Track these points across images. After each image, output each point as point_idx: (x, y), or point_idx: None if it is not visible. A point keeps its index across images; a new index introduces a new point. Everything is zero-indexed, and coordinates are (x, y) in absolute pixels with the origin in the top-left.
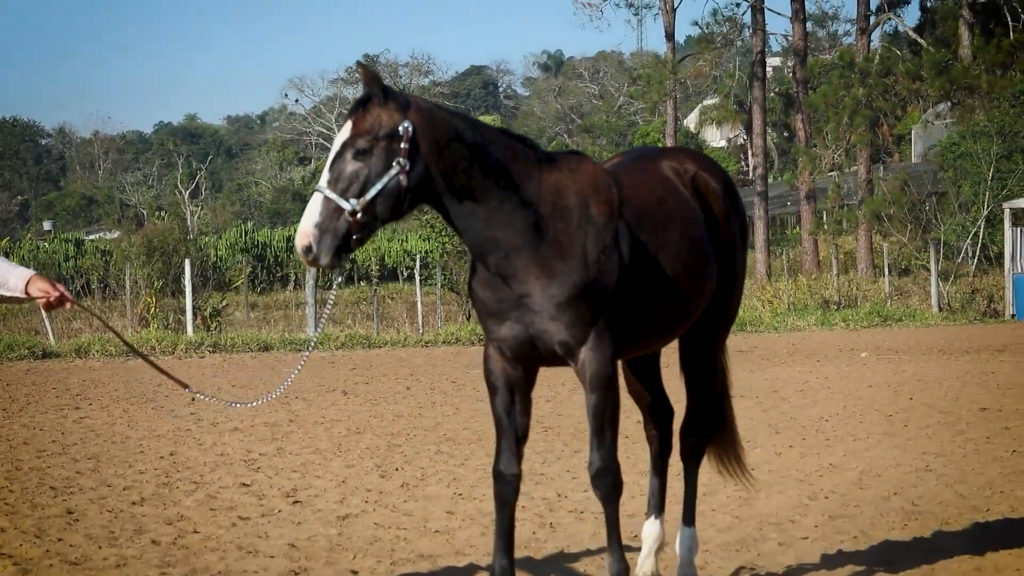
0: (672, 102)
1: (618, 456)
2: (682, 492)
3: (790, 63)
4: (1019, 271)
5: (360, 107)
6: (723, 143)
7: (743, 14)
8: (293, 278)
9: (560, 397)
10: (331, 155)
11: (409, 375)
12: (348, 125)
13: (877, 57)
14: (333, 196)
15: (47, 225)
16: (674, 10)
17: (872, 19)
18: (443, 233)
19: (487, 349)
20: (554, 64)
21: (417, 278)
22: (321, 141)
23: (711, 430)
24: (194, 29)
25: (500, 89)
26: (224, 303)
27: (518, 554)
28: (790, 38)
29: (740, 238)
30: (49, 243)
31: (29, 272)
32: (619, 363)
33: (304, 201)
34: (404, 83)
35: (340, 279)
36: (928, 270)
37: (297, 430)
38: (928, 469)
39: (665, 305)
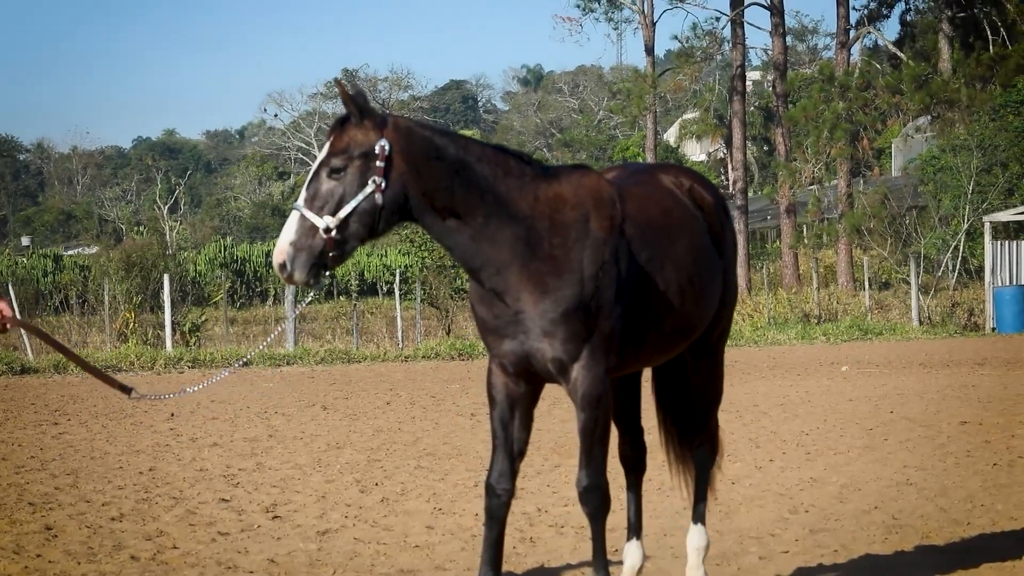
0: (652, 116)
1: (606, 473)
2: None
3: (770, 77)
4: (999, 284)
5: (338, 126)
6: (703, 157)
7: (723, 28)
8: (273, 293)
9: (539, 411)
10: (310, 174)
11: (389, 390)
12: (327, 144)
13: (857, 71)
14: (309, 214)
15: (25, 240)
16: (653, 24)
17: (852, 33)
18: (423, 248)
19: (490, 364)
20: (534, 78)
21: (397, 293)
22: (300, 156)
23: (716, 437)
24: (173, 44)
25: (480, 103)
26: (203, 318)
27: None
28: (770, 52)
29: (732, 250)
30: (27, 259)
31: None
32: (610, 380)
33: (283, 216)
34: (383, 98)
35: (309, 297)
36: (908, 284)
37: (277, 445)
38: (909, 483)
39: (668, 318)
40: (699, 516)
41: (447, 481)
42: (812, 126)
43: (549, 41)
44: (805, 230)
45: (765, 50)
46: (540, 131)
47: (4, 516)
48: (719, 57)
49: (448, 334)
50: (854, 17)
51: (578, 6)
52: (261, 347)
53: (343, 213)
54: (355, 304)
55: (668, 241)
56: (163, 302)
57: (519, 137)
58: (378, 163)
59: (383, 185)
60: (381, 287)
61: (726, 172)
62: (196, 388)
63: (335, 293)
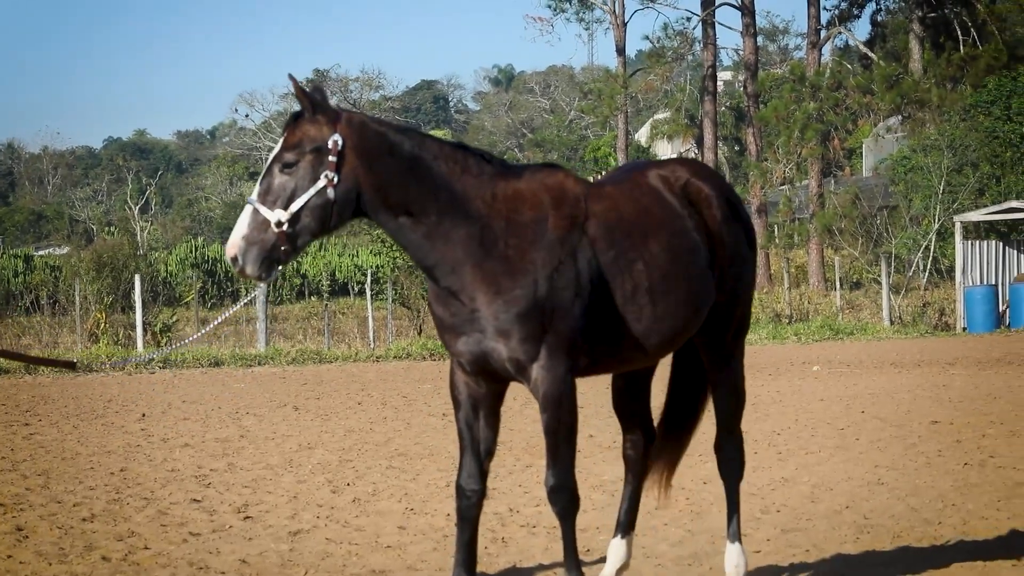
0: (623, 116)
1: (575, 472)
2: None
3: (741, 77)
4: (970, 284)
5: (292, 121)
6: (674, 157)
7: (694, 28)
8: (244, 294)
9: (511, 411)
10: (264, 169)
11: (360, 390)
12: (281, 139)
13: (828, 71)
14: (261, 208)
15: None
16: (625, 24)
17: (823, 33)
18: (394, 248)
19: (452, 365)
20: (505, 78)
21: (368, 293)
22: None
23: (743, 442)
24: (144, 44)
25: (451, 104)
26: (174, 319)
27: None
28: (741, 52)
29: (746, 244)
30: None
31: None
32: (575, 379)
33: None
34: (355, 98)
35: (251, 296)
36: (879, 283)
37: (248, 445)
38: (880, 482)
39: (643, 318)
40: (735, 534)
41: (419, 481)
42: (783, 126)
43: (520, 41)
44: (776, 230)
45: (736, 50)
46: (511, 131)
47: None
48: (690, 57)
49: (420, 334)
50: (825, 17)
51: (549, 6)
52: (188, 341)
53: (295, 207)
54: (326, 304)
55: (641, 239)
56: (134, 302)
57: (490, 137)
58: (330, 158)
59: (335, 180)
60: (352, 287)
61: None
62: (140, 359)
63: (306, 293)
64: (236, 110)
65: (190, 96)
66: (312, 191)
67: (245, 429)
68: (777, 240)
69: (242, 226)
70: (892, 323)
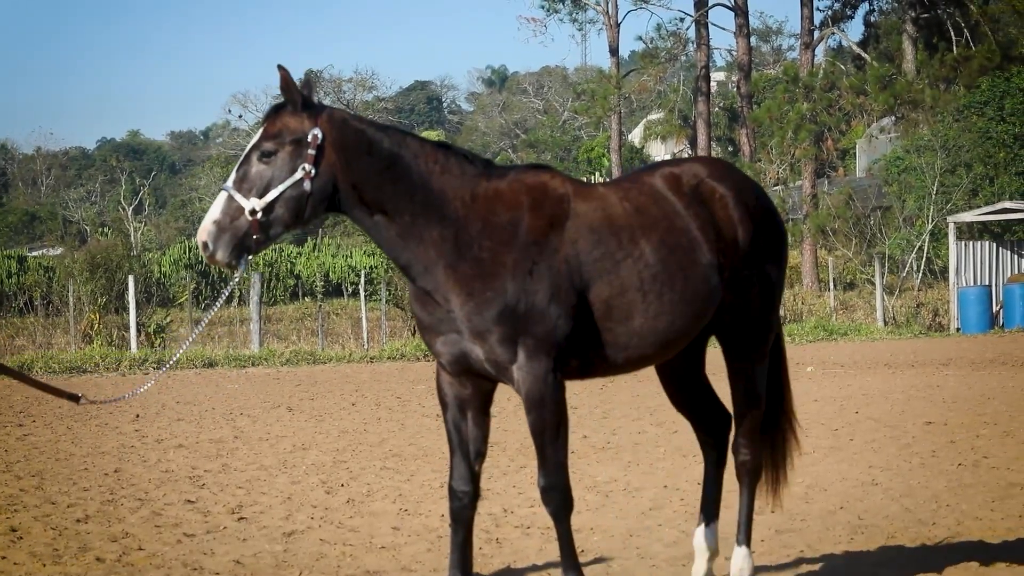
0: (616, 117)
1: (568, 472)
2: (733, 506)
3: (734, 78)
4: (963, 285)
5: (273, 112)
6: (667, 158)
7: (687, 29)
8: (238, 294)
9: (505, 411)
10: (241, 156)
11: (354, 391)
12: (261, 128)
13: (821, 72)
14: (236, 195)
15: None
16: (618, 25)
17: (816, 34)
18: None
19: (437, 367)
20: (498, 79)
21: (362, 294)
22: None
23: (760, 446)
24: (137, 45)
25: (444, 104)
26: (168, 319)
27: None
28: (734, 53)
29: (765, 245)
30: None
31: None
32: (560, 380)
33: None
34: (348, 98)
35: (224, 295)
36: (873, 284)
37: (242, 446)
38: (874, 483)
39: (634, 318)
40: (744, 538)
41: (413, 482)
42: (776, 127)
43: (514, 42)
44: None
45: (729, 51)
46: (505, 132)
47: None
48: (683, 58)
49: (413, 335)
50: (818, 18)
51: (542, 7)
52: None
53: (270, 197)
54: (320, 305)
55: (630, 239)
56: (128, 303)
57: (484, 138)
58: (309, 151)
59: (312, 173)
60: (346, 288)
61: None
62: (143, 389)
63: (300, 294)
64: (229, 111)
65: (184, 97)
66: (289, 182)
67: (239, 430)
68: None
69: (215, 212)
70: (886, 324)
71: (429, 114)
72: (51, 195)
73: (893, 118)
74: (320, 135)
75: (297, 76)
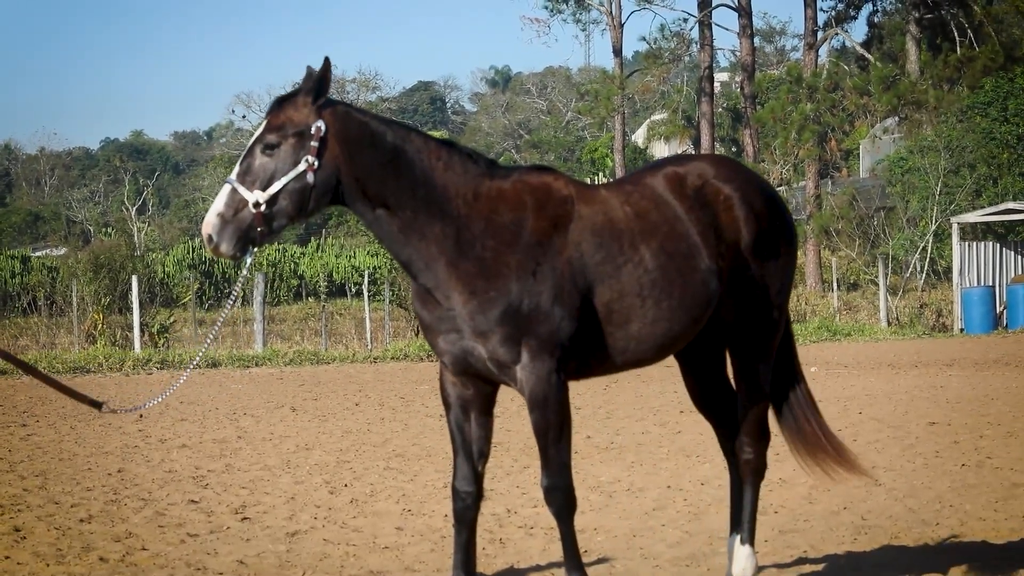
0: (620, 117)
1: (571, 472)
2: (736, 504)
3: (738, 78)
4: (967, 285)
5: (277, 105)
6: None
7: (691, 29)
8: (242, 294)
9: (509, 412)
10: (245, 149)
11: (358, 391)
12: (264, 121)
13: (825, 72)
14: (240, 188)
15: None
16: (621, 26)
17: (820, 34)
18: None
19: (440, 367)
20: (502, 80)
21: (365, 294)
22: None
23: (764, 444)
24: (141, 45)
25: (448, 105)
26: (172, 320)
27: None
28: (738, 53)
29: (771, 245)
30: None
31: None
32: (563, 380)
33: None
34: (352, 99)
35: (233, 296)
36: (876, 285)
37: (246, 446)
38: (877, 483)
39: (633, 321)
40: (747, 537)
41: (416, 482)
42: (780, 127)
43: (517, 42)
44: None
45: (733, 51)
46: (508, 132)
47: None
48: (687, 58)
49: (417, 335)
50: (822, 19)
51: (546, 7)
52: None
53: (273, 189)
54: (324, 305)
55: (630, 244)
56: (131, 303)
57: (487, 138)
58: (312, 143)
59: (315, 165)
60: (350, 288)
61: None
62: (164, 396)
63: (304, 294)
64: (233, 111)
65: (187, 97)
66: (292, 174)
67: (243, 430)
68: None
69: (219, 204)
70: (889, 324)
71: (432, 114)
72: (55, 195)
73: (897, 119)
74: (324, 127)
75: (297, 76)
